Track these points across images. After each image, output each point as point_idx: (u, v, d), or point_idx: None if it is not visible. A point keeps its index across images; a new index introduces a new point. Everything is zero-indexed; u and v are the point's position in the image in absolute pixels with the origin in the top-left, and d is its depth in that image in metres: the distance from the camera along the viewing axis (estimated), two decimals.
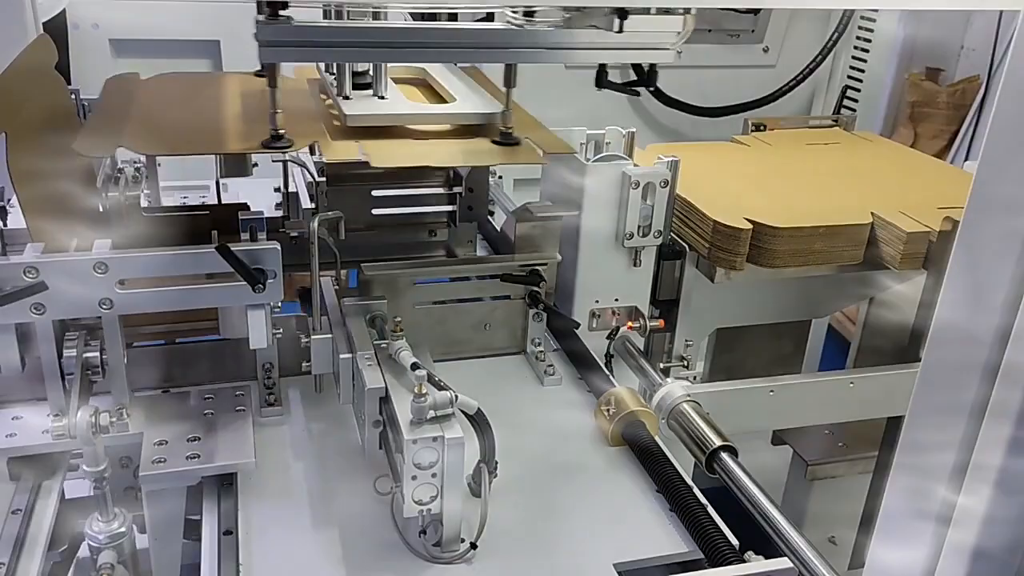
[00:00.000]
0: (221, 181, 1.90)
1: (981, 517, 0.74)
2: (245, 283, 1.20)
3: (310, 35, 1.32)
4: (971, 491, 0.75)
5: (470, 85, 1.78)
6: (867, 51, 3.03)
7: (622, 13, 1.38)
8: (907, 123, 3.73)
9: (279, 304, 1.32)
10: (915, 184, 2.03)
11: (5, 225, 1.60)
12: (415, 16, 1.55)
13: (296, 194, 1.81)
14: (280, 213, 1.92)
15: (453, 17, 1.55)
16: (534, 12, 1.44)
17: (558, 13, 1.45)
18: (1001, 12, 3.28)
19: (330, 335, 1.34)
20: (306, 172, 1.76)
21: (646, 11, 1.41)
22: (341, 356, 1.26)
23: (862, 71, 3.04)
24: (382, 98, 1.63)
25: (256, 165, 1.90)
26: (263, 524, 1.18)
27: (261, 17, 1.29)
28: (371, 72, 1.63)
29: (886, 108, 3.72)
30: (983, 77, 3.54)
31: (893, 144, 2.47)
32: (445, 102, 1.70)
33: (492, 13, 1.51)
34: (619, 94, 2.93)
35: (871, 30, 3.02)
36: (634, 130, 1.84)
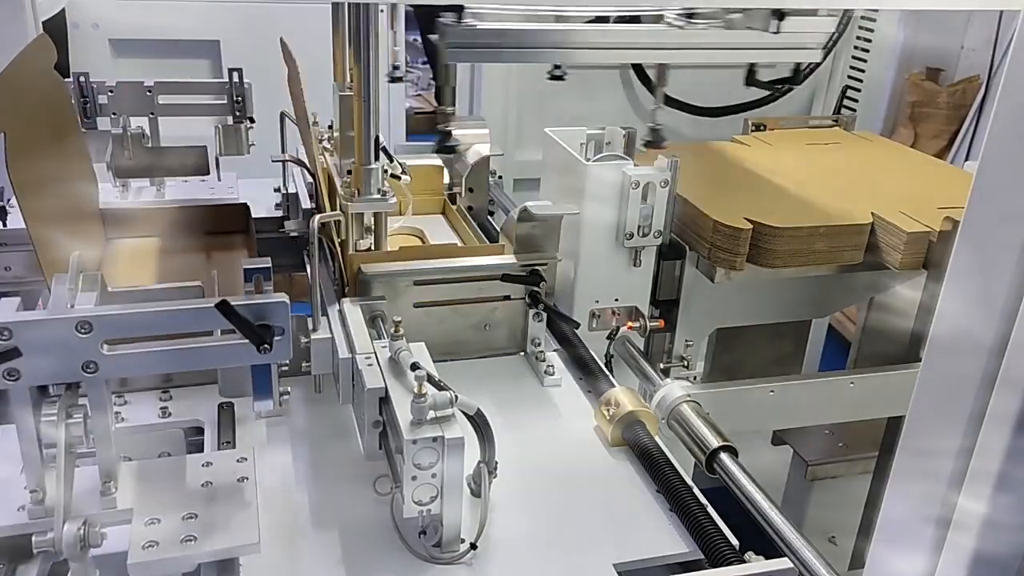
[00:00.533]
0: (219, 158, 1.92)
1: (982, 519, 0.74)
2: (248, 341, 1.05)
3: (494, 38, 1.34)
4: (972, 493, 0.75)
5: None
6: (867, 51, 3.03)
7: (780, 14, 1.40)
8: (907, 123, 3.73)
9: (287, 364, 1.24)
10: (915, 184, 2.03)
11: (5, 225, 1.61)
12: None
13: (296, 194, 1.81)
14: (280, 213, 1.92)
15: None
16: (694, 14, 1.48)
17: (719, 15, 1.48)
18: (1001, 12, 3.28)
19: (330, 335, 1.34)
20: (306, 172, 1.76)
21: (811, 12, 1.44)
22: (341, 356, 1.26)
23: (862, 71, 3.04)
24: None
25: (253, 144, 1.92)
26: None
27: (447, 20, 1.32)
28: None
29: (886, 108, 3.72)
30: (983, 77, 3.54)
31: (893, 144, 2.47)
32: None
33: (661, 15, 1.55)
34: (619, 97, 2.95)
35: (871, 30, 3.02)
36: (634, 130, 1.84)
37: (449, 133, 2.05)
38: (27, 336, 0.97)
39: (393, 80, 1.78)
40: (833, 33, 1.46)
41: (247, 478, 1.15)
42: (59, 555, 1.00)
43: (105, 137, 1.86)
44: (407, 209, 1.76)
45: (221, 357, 1.07)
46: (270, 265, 1.12)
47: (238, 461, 1.18)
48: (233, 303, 1.02)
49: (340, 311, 1.38)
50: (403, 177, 1.59)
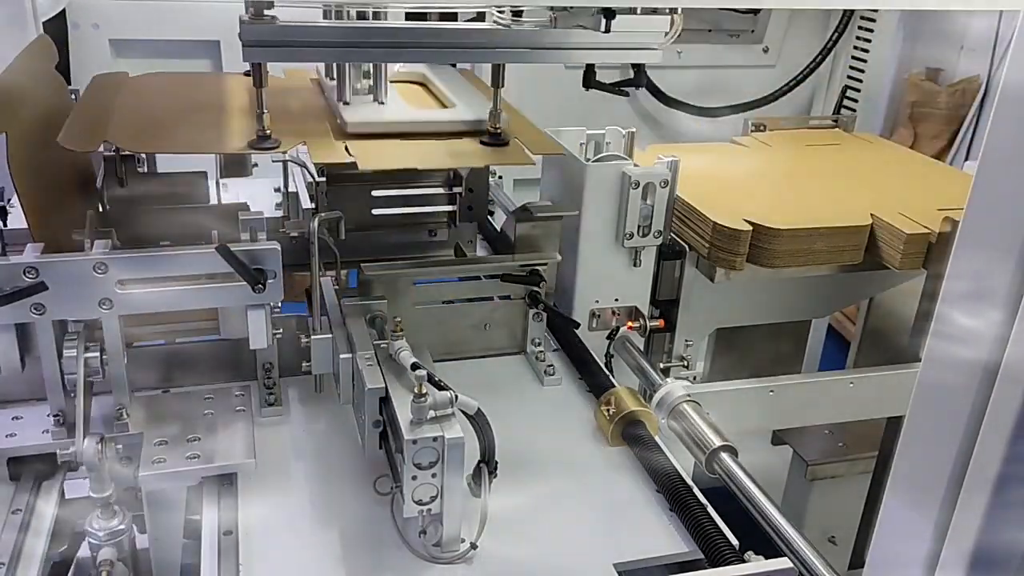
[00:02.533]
0: (221, 181, 1.90)
1: (982, 519, 0.74)
2: (245, 283, 1.19)
3: (295, 35, 1.32)
4: (972, 493, 0.75)
5: (468, 88, 1.78)
6: (867, 51, 3.03)
7: (609, 13, 1.38)
8: (907, 123, 3.73)
9: (279, 304, 1.32)
10: (914, 185, 2.03)
11: (5, 225, 1.60)
12: (408, 17, 1.55)
13: (296, 194, 1.81)
14: (280, 213, 1.92)
15: (449, 17, 1.55)
16: (522, 12, 1.45)
17: (545, 13, 1.45)
18: (1001, 12, 3.28)
19: (330, 335, 1.34)
20: (306, 172, 1.75)
21: (632, 11, 1.41)
22: (341, 356, 1.26)
23: (862, 71, 3.04)
24: (381, 103, 1.63)
25: (256, 165, 1.90)
26: (263, 524, 1.18)
27: (245, 17, 1.30)
28: (371, 71, 1.63)
29: (886, 108, 3.72)
30: (983, 77, 3.54)
31: (892, 145, 2.47)
32: (443, 104, 1.70)
33: (483, 13, 1.51)
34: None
35: (871, 30, 3.02)
36: (634, 130, 1.84)
37: None
38: (51, 274, 1.12)
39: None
40: (667, 33, 1.42)
41: (244, 409, 1.34)
42: (79, 464, 1.13)
43: (97, 158, 1.67)
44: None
45: (221, 296, 1.22)
46: (263, 217, 1.25)
47: (236, 395, 1.37)
48: (231, 248, 1.16)
49: (340, 311, 1.38)
50: None
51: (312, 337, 1.34)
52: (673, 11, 1.42)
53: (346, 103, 1.59)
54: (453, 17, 1.56)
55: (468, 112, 1.62)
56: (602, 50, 1.46)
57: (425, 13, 1.54)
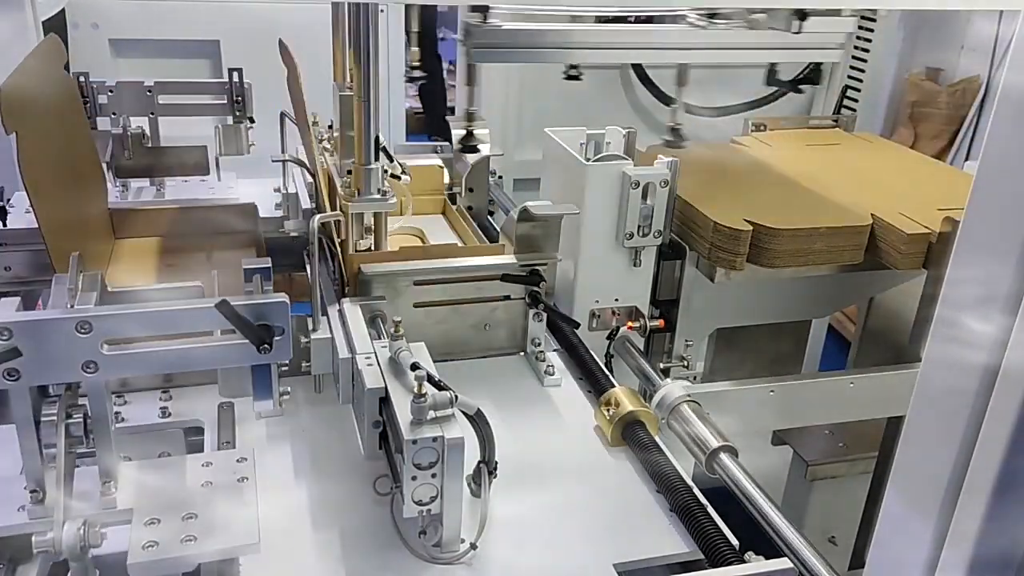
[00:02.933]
0: (219, 158, 1.92)
1: (982, 519, 0.74)
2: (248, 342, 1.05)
3: (516, 39, 1.35)
4: (972, 493, 0.75)
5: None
6: (867, 51, 3.03)
7: (802, 15, 1.41)
8: (907, 123, 3.73)
9: (287, 364, 1.21)
10: (915, 185, 2.03)
11: (5, 225, 1.61)
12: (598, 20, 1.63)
13: (296, 194, 1.81)
14: (280, 213, 1.92)
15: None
16: (716, 15, 1.49)
17: (741, 15, 1.49)
18: (1001, 12, 3.28)
19: (330, 335, 1.34)
20: (306, 172, 1.76)
21: (833, 12, 1.46)
22: (341, 356, 1.26)
23: (862, 71, 3.03)
24: None
25: (253, 144, 1.92)
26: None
27: (472, 20, 1.33)
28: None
29: (886, 108, 3.72)
30: (983, 77, 3.54)
31: (892, 145, 2.47)
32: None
33: (683, 15, 1.56)
34: (619, 97, 2.95)
35: (871, 30, 3.02)
36: (634, 130, 1.84)
37: (471, 134, 2.04)
38: (27, 336, 0.97)
39: (411, 80, 1.79)
40: (851, 33, 1.49)
41: (247, 478, 1.15)
42: (59, 555, 1.00)
43: (105, 137, 1.86)
44: (407, 209, 1.76)
45: (221, 357, 1.07)
46: (270, 265, 1.12)
47: (238, 461, 1.18)
48: (233, 303, 1.02)
49: (340, 311, 1.37)
50: (403, 177, 1.59)
51: (312, 337, 1.34)
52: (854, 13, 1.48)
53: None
54: (648, 20, 1.65)
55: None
56: (789, 50, 1.50)
57: (624, 17, 1.62)
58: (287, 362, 1.42)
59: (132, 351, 1.03)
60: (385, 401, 1.16)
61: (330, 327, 1.35)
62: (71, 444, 1.06)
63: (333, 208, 1.54)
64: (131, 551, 1.03)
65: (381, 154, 1.51)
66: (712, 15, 1.47)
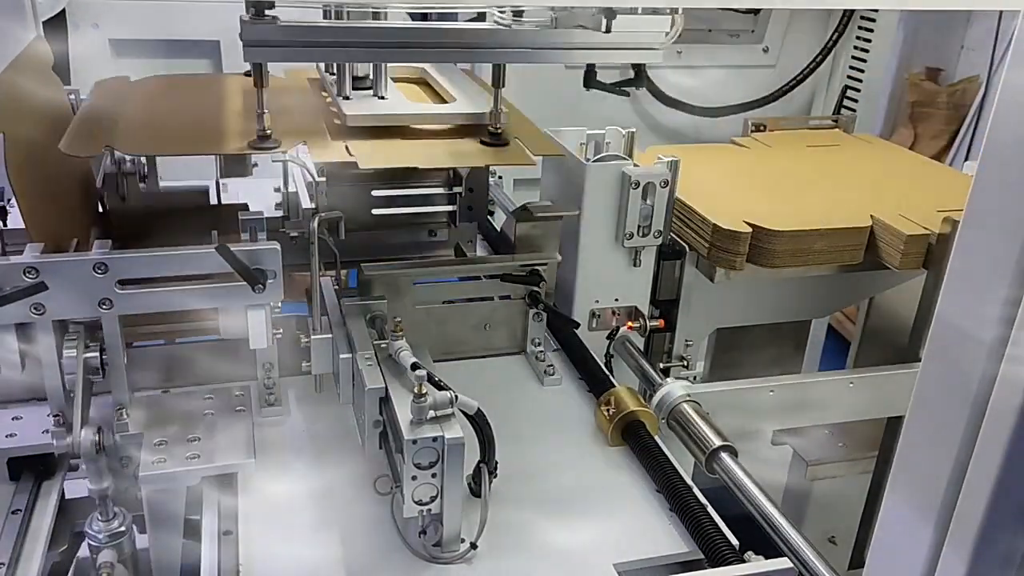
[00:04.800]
0: (221, 181, 1.90)
1: (982, 517, 0.74)
2: (245, 283, 1.19)
3: (296, 35, 1.33)
4: (971, 491, 0.75)
5: (469, 85, 1.78)
6: (867, 51, 3.03)
7: (609, 13, 1.38)
8: (907, 123, 3.73)
9: (279, 304, 1.32)
10: (914, 187, 2.03)
11: (5, 225, 1.60)
12: (412, 17, 1.56)
13: (296, 194, 1.81)
14: (280, 213, 1.92)
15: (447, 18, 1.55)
16: (522, 12, 1.45)
17: (546, 13, 1.45)
18: (1001, 12, 3.28)
19: (330, 335, 1.34)
20: (306, 172, 1.75)
21: (633, 11, 1.41)
22: (341, 356, 1.26)
23: (862, 71, 3.04)
24: (382, 98, 1.63)
25: (256, 165, 1.90)
26: (263, 524, 1.18)
27: (246, 16, 1.30)
28: (371, 72, 1.63)
29: (886, 108, 3.72)
30: (983, 77, 3.54)
31: (892, 146, 2.47)
32: (445, 102, 1.70)
33: (483, 13, 1.52)
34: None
35: (871, 30, 3.02)
36: (634, 130, 1.84)
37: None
38: (51, 274, 1.12)
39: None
40: (667, 33, 1.43)
41: (244, 409, 1.34)
42: (77, 454, 1.13)
43: (97, 158, 1.64)
44: None
45: (221, 296, 1.22)
46: (263, 216, 1.26)
47: (237, 394, 1.38)
48: (231, 247, 1.17)
49: (340, 311, 1.37)
50: None
51: (312, 337, 1.34)
52: (674, 11, 1.42)
53: (346, 98, 1.59)
54: (453, 17, 1.57)
55: (468, 106, 1.62)
56: (603, 50, 1.46)
57: (426, 13, 1.55)
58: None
59: (143, 291, 1.18)
60: (385, 401, 1.16)
61: (330, 327, 1.35)
62: (88, 373, 1.21)
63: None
64: (142, 466, 1.19)
65: None
66: (517, 13, 1.44)
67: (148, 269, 1.18)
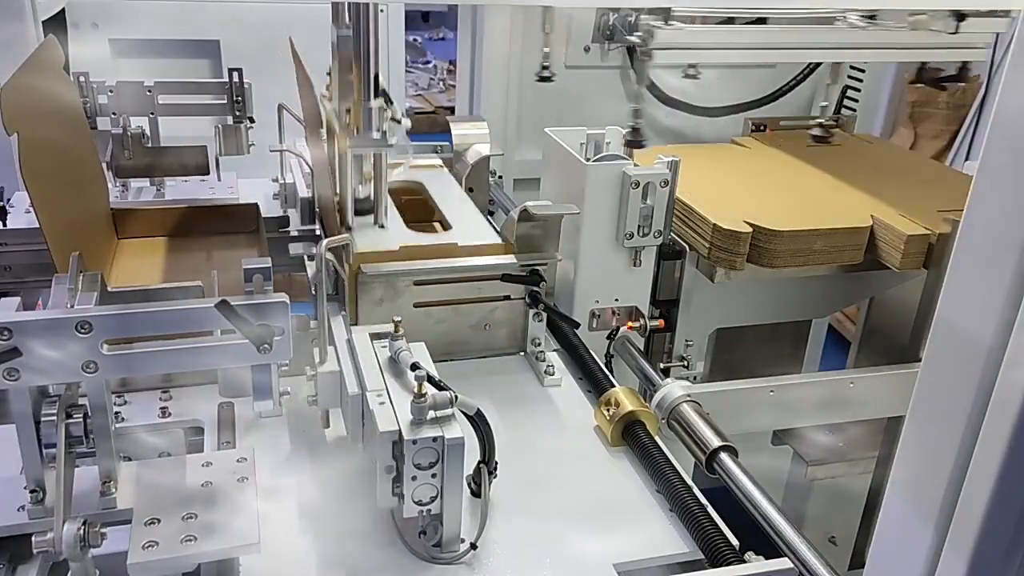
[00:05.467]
0: (220, 158, 1.93)
1: (982, 517, 0.74)
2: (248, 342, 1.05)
3: (696, 39, 1.44)
4: (971, 491, 0.75)
5: (463, 201, 1.79)
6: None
7: (961, 16, 1.44)
8: (907, 123, 3.73)
9: (287, 364, 1.18)
10: (915, 187, 2.03)
11: (5, 225, 1.61)
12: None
13: (293, 183, 1.82)
14: (278, 202, 1.93)
15: None
16: (875, 15, 1.52)
17: (900, 16, 1.53)
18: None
19: (338, 368, 1.27)
20: (303, 162, 1.75)
21: (989, 13, 1.48)
22: (350, 393, 1.19)
23: (862, 71, 3.03)
24: (382, 226, 1.64)
25: (253, 144, 1.92)
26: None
27: (653, 22, 1.37)
28: (371, 195, 1.63)
29: (886, 108, 3.72)
30: (983, 77, 3.54)
31: (892, 146, 2.48)
32: (441, 223, 1.72)
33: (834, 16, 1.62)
34: (619, 97, 2.95)
35: None
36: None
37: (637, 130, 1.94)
38: (27, 336, 0.96)
39: None
40: (1008, 33, 1.55)
41: (247, 478, 1.15)
42: (59, 555, 0.99)
43: (105, 137, 1.86)
44: (407, 157, 1.72)
45: (221, 357, 1.06)
46: (270, 265, 1.11)
47: (238, 461, 1.18)
48: (233, 303, 1.01)
49: (348, 340, 1.31)
50: (403, 121, 1.51)
51: (319, 370, 1.27)
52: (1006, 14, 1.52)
53: (349, 228, 1.58)
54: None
55: (464, 238, 1.62)
56: (939, 49, 1.53)
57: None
58: (287, 363, 1.43)
59: (132, 351, 1.03)
60: (398, 444, 1.08)
61: (338, 359, 1.27)
62: (71, 444, 1.06)
63: (336, 186, 1.48)
64: (131, 551, 1.03)
65: (380, 96, 1.45)
66: (871, 16, 1.54)
67: (139, 328, 1.02)
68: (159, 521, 1.08)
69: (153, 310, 1.03)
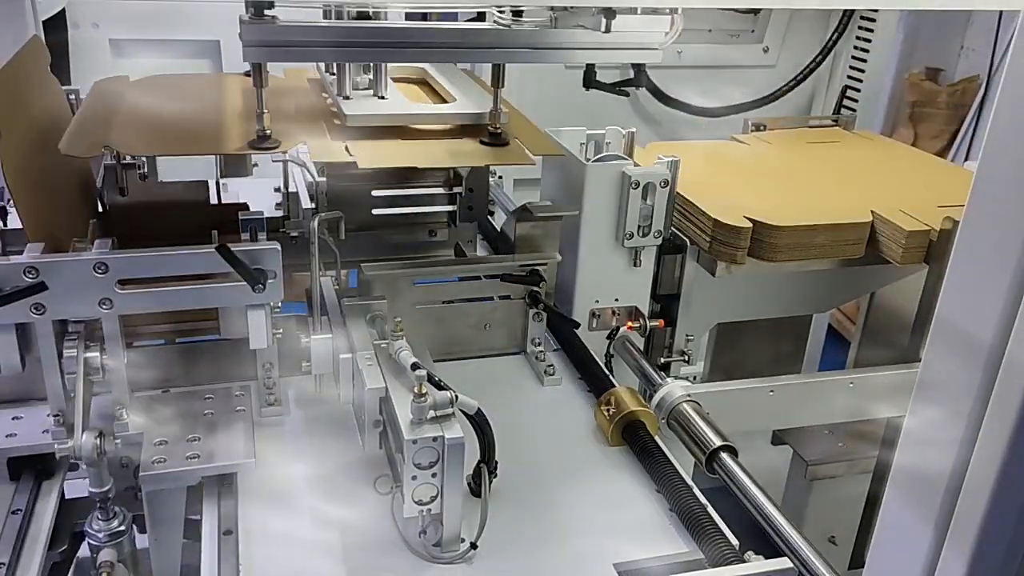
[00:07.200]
0: (221, 181, 1.90)
1: (982, 517, 0.74)
2: (245, 283, 1.19)
3: (295, 35, 1.33)
4: (971, 491, 0.75)
5: (470, 85, 1.78)
6: (867, 51, 3.03)
7: (609, 13, 1.38)
8: (907, 123, 3.73)
9: (279, 304, 1.32)
10: (915, 182, 2.03)
11: (5, 225, 1.60)
12: (407, 17, 1.56)
13: (296, 194, 1.81)
14: (280, 213, 1.92)
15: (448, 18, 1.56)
16: (522, 12, 1.45)
17: (545, 13, 1.45)
18: (1001, 12, 3.28)
19: (330, 335, 1.34)
20: (306, 172, 1.75)
21: (633, 11, 1.41)
22: (341, 356, 1.26)
23: (862, 71, 3.04)
24: (382, 98, 1.63)
25: (256, 165, 1.90)
26: (263, 524, 1.18)
27: (245, 16, 1.30)
28: (371, 72, 1.63)
29: (886, 108, 3.72)
30: (983, 77, 3.55)
31: (893, 142, 2.47)
32: (445, 101, 1.70)
33: (483, 13, 1.52)
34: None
35: (871, 30, 3.02)
36: (634, 130, 1.84)
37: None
38: (51, 274, 1.11)
39: None
40: (667, 33, 1.44)
41: (244, 409, 1.34)
42: (79, 459, 1.12)
43: (96, 163, 1.66)
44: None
45: (222, 296, 1.22)
46: (264, 217, 1.25)
47: (236, 395, 1.38)
48: (232, 248, 1.16)
49: (340, 311, 1.37)
50: None
51: (312, 337, 1.34)
52: (673, 11, 1.42)
53: (346, 98, 1.59)
54: (452, 17, 1.57)
55: (468, 105, 1.62)
56: (602, 50, 1.46)
57: (425, 13, 1.55)
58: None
59: (143, 291, 1.18)
60: (385, 401, 1.16)
61: (330, 327, 1.35)
62: (88, 373, 1.21)
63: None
64: (143, 465, 1.19)
65: None
66: (517, 13, 1.44)
67: (149, 269, 1.17)
68: (167, 442, 1.25)
69: (161, 254, 1.17)
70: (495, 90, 1.55)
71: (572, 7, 1.43)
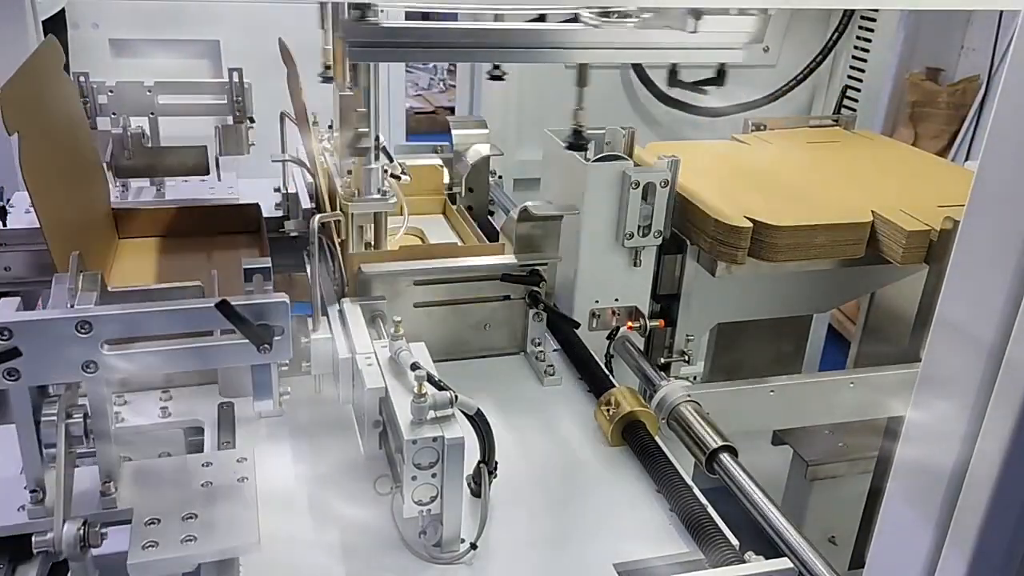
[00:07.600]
0: (220, 158, 1.93)
1: (982, 517, 0.74)
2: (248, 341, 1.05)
3: (397, 36, 1.35)
4: (972, 491, 0.75)
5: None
6: (867, 51, 3.03)
7: (697, 13, 1.40)
8: (907, 123, 3.73)
9: (287, 363, 1.20)
10: (916, 182, 2.03)
11: (5, 225, 1.61)
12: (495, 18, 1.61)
13: (296, 194, 1.82)
14: (280, 213, 1.93)
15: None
16: (610, 13, 1.47)
17: (635, 13, 1.48)
18: (1001, 12, 3.28)
19: (330, 335, 1.34)
20: (306, 172, 1.76)
21: (724, 11, 1.44)
22: (341, 356, 1.26)
23: (862, 71, 3.04)
24: None
25: (253, 144, 1.92)
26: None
27: (348, 17, 1.33)
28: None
29: (886, 108, 3.72)
30: (983, 77, 3.55)
31: (893, 142, 2.47)
32: None
33: (577, 15, 1.55)
34: (620, 97, 2.95)
35: (871, 30, 3.02)
36: (634, 130, 1.84)
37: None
38: (27, 336, 0.96)
39: (325, 80, 1.79)
40: (751, 32, 1.47)
41: (247, 478, 1.15)
42: (59, 555, 0.99)
43: (105, 136, 1.87)
44: (405, 211, 1.76)
45: (221, 357, 1.06)
46: (270, 265, 1.12)
47: (238, 461, 1.18)
48: (233, 303, 1.01)
49: (340, 311, 1.37)
50: (403, 177, 1.59)
51: (312, 337, 1.34)
52: (763, 11, 1.46)
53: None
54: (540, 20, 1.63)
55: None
56: (688, 50, 1.49)
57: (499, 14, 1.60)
58: (287, 362, 1.44)
59: (132, 351, 1.03)
60: (385, 401, 1.16)
61: (330, 327, 1.35)
62: (71, 444, 1.06)
63: (333, 208, 1.54)
64: (131, 551, 1.02)
65: (381, 154, 1.52)
66: (605, 14, 1.47)
67: (138, 328, 1.01)
68: (159, 521, 1.07)
69: (153, 310, 1.02)
70: (579, 89, 1.66)
71: (662, 8, 1.47)
